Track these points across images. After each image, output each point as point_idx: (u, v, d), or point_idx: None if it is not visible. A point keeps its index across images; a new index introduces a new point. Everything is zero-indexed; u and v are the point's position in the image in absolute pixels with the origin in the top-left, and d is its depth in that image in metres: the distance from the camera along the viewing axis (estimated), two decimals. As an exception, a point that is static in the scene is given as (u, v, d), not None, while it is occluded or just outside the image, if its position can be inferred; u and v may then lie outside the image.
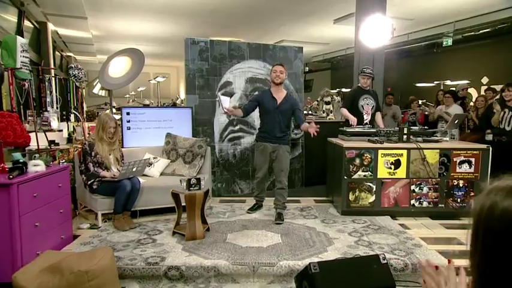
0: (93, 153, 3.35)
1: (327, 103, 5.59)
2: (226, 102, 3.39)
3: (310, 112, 6.40)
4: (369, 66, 4.30)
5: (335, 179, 3.94)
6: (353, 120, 4.06)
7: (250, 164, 4.65)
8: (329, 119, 5.50)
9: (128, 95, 11.11)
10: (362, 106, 4.18)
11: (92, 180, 3.32)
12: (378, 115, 4.18)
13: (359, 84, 4.26)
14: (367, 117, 4.15)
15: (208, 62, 4.60)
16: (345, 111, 4.22)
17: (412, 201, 3.64)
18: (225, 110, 3.37)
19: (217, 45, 4.63)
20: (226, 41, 4.72)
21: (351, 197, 3.66)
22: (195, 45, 4.52)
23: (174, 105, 10.55)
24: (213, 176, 4.51)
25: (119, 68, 4.11)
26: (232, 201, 4.36)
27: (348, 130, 3.87)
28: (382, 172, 3.63)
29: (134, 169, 3.31)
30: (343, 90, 8.45)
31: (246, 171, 4.78)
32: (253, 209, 3.82)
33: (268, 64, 4.83)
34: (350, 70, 4.82)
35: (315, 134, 3.23)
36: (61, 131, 4.28)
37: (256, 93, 4.69)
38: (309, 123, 3.34)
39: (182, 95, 12.72)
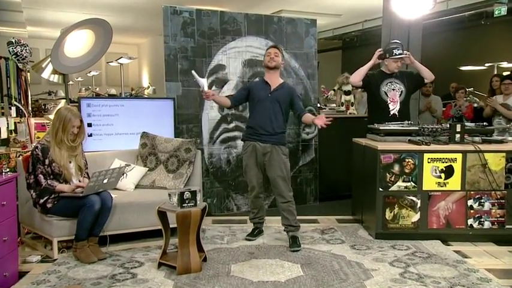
0: (47, 161, 3.26)
1: (347, 93, 5.62)
2: (202, 82, 3.47)
3: (321, 105, 6.43)
4: (397, 40, 4.24)
5: (365, 192, 3.96)
6: (376, 55, 4.13)
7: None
8: (350, 113, 5.53)
9: (71, 82, 10.94)
10: (385, 93, 4.17)
11: (45, 198, 3.25)
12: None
13: (382, 69, 4.28)
14: (393, 107, 4.15)
15: (195, 39, 4.57)
16: (357, 71, 4.24)
17: (470, 221, 3.69)
18: (204, 94, 3.50)
19: (205, 16, 4.61)
20: (217, 12, 4.70)
21: (388, 215, 3.68)
22: (176, 16, 4.49)
23: (133, 94, 10.46)
24: (202, 188, 4.46)
25: (78, 44, 4.03)
26: (230, 221, 4.35)
27: (381, 128, 3.90)
28: (429, 183, 3.65)
29: (105, 181, 3.26)
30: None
31: (244, 183, 4.73)
32: (253, 235, 3.81)
33: (272, 42, 4.80)
34: (368, 49, 4.85)
35: (324, 126, 3.39)
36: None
37: (257, 79, 4.70)
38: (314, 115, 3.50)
39: (145, 83, 12.58)
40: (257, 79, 3.92)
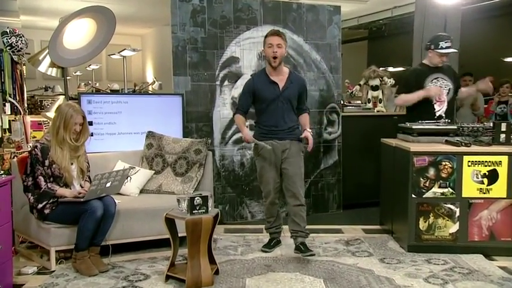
0: (46, 162, 3.29)
1: (374, 88, 5.57)
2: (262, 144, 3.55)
3: (345, 102, 6.38)
4: (444, 33, 4.20)
5: (396, 199, 3.93)
6: (433, 90, 3.99)
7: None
8: (377, 111, 5.48)
9: (69, 76, 11.06)
10: None
11: (44, 203, 3.27)
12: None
13: (425, 61, 4.22)
14: (440, 107, 4.10)
15: (205, 29, 4.57)
16: (404, 96, 4.15)
17: (517, 233, 3.64)
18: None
19: (217, 3, 4.61)
20: (230, -1, 4.70)
21: (423, 225, 3.64)
22: (185, 4, 4.50)
23: (135, 90, 10.51)
24: (213, 193, 4.47)
25: (78, 35, 4.04)
26: (244, 230, 4.35)
27: (414, 127, 3.86)
28: (470, 189, 3.61)
29: (108, 184, 3.27)
30: (390, 69, 8.45)
31: (259, 188, 4.70)
32: (270, 246, 3.79)
33: (290, 32, 4.82)
34: (398, 40, 4.80)
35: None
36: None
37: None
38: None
39: (149, 78, 12.65)
40: (254, 75, 3.80)
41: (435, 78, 4.12)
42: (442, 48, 4.00)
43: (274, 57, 3.50)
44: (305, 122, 3.68)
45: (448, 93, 4.11)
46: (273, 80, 3.58)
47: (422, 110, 4.05)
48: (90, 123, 4.10)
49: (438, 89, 4.03)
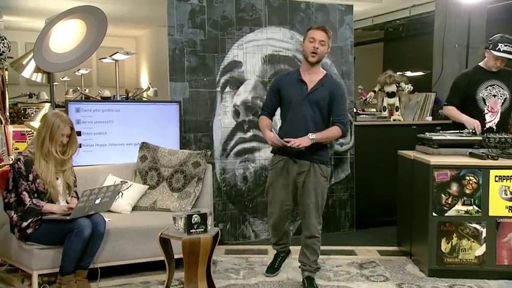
0: (30, 176, 3.30)
1: (390, 95, 5.57)
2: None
3: (358, 110, 6.38)
4: (509, 36, 4.00)
5: (415, 218, 3.92)
6: (472, 124, 3.91)
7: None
8: (394, 120, 5.48)
9: (56, 82, 11.14)
10: (483, 99, 4.04)
11: (29, 220, 3.27)
12: None
13: (481, 64, 4.13)
14: (491, 118, 4.04)
15: (205, 30, 4.60)
16: (451, 110, 4.11)
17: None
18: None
19: (218, 3, 4.64)
20: (232, -2, 4.74)
21: (445, 247, 3.62)
22: (183, 3, 4.54)
23: (127, 97, 10.55)
24: (212, 210, 4.46)
25: (66, 37, 4.07)
26: (246, 251, 4.35)
27: (434, 138, 3.86)
28: (498, 207, 3.60)
29: (98, 201, 3.27)
30: (408, 74, 8.43)
31: (263, 204, 4.72)
32: (274, 267, 3.76)
33: (298, 34, 4.84)
34: (417, 42, 4.81)
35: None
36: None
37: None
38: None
39: (144, 84, 12.72)
40: (285, 74, 3.71)
41: (490, 85, 4.05)
42: (499, 50, 3.90)
43: (314, 53, 3.35)
44: (322, 132, 3.37)
45: (503, 103, 4.04)
46: (302, 79, 3.43)
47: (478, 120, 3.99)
48: (79, 134, 4.11)
49: (477, 125, 3.91)
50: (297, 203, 3.53)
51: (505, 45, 3.89)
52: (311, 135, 3.29)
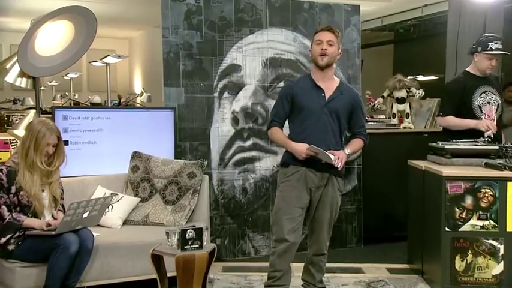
0: (13, 189, 3.30)
1: (400, 101, 5.58)
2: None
3: (366, 116, 6.38)
4: (493, 34, 4.14)
5: (427, 233, 3.92)
6: (485, 125, 3.89)
7: (271, 205, 4.62)
8: (404, 127, 5.48)
9: (43, 87, 11.17)
10: (479, 107, 4.10)
11: (8, 236, 3.25)
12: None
13: (469, 69, 4.22)
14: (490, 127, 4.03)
15: (202, 32, 4.63)
16: (452, 119, 4.12)
17: None
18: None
19: (216, 3, 4.67)
20: (231, -3, 4.77)
21: (459, 264, 3.60)
22: (178, 3, 4.56)
23: (119, 103, 10.57)
24: (209, 224, 4.46)
25: (53, 40, 4.08)
26: (246, 268, 4.33)
27: (447, 147, 3.85)
28: (515, 221, 3.59)
29: (85, 215, 3.27)
30: (420, 78, 8.45)
31: (264, 218, 4.75)
32: None
33: (301, 36, 4.86)
34: (429, 43, 4.82)
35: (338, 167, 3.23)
36: None
37: (282, 84, 4.71)
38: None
39: (138, 88, 12.77)
40: (296, 79, 3.70)
41: (484, 92, 4.10)
42: (491, 49, 3.97)
43: (323, 55, 3.29)
44: (351, 145, 3.40)
45: (497, 109, 4.09)
46: (318, 85, 3.37)
47: (466, 130, 4.01)
48: (66, 143, 4.12)
49: (492, 124, 3.93)
50: (306, 219, 3.48)
51: (495, 43, 3.98)
52: (347, 151, 3.31)
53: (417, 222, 4.13)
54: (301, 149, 3.23)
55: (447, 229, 3.60)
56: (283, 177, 3.41)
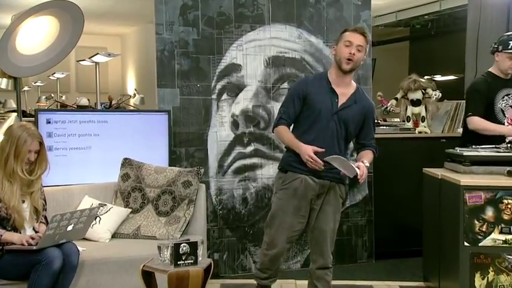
0: (-9, 200, 3.31)
1: (415, 103, 5.57)
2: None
3: (379, 120, 6.38)
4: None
5: (444, 248, 3.91)
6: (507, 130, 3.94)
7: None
8: (419, 132, 5.48)
9: (27, 87, 11.18)
10: (502, 110, 4.13)
11: (-15, 252, 3.26)
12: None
13: (492, 70, 4.23)
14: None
15: (198, 29, 4.65)
16: (481, 122, 4.11)
17: None
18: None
19: (214, -3, 4.69)
20: (230, -9, 4.79)
21: (480, 283, 3.58)
22: (173, -2, 4.58)
23: (110, 105, 10.58)
24: (207, 238, 4.46)
25: (35, 37, 4.09)
26: (246, 286, 4.33)
27: (466, 153, 3.85)
28: (541, 236, 3.57)
29: (70, 228, 3.26)
30: (438, 78, 8.44)
31: (267, 231, 4.75)
32: None
33: (307, 33, 4.88)
34: (448, 40, 4.82)
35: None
36: None
37: (286, 85, 4.73)
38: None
39: (131, 89, 12.80)
40: (311, 76, 3.75)
41: (506, 95, 4.14)
42: None
43: (349, 59, 3.31)
44: (366, 157, 3.45)
45: None
46: (333, 89, 3.41)
47: (486, 135, 4.03)
48: (49, 149, 4.13)
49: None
50: (306, 229, 3.53)
51: None
52: (367, 163, 3.36)
53: (433, 236, 4.12)
54: (307, 152, 3.25)
55: (466, 244, 3.58)
56: (281, 183, 3.49)
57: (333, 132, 3.37)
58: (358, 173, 3.20)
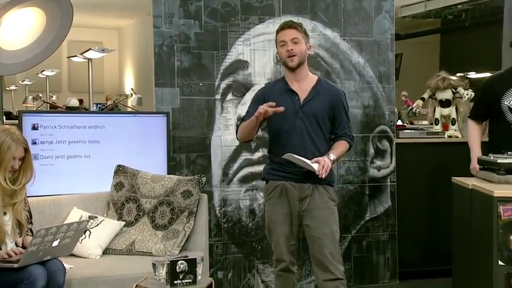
0: (-30, 212, 3.33)
1: (445, 103, 5.56)
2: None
3: (404, 123, 6.37)
4: None
5: (475, 267, 3.88)
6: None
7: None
8: (449, 136, 5.47)
9: (14, 86, 11.22)
10: (510, 109, 4.08)
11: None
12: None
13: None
14: None
15: (201, 21, 4.67)
16: (469, 128, 4.22)
17: None
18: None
19: (218, -14, 4.71)
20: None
21: (514, 305, 3.57)
22: (173, -12, 4.61)
23: (108, 106, 10.62)
24: (209, 254, 4.47)
25: (19, 31, 4.09)
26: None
27: (501, 161, 3.82)
28: None
29: (56, 243, 3.26)
30: (472, 75, 8.40)
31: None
32: None
33: (322, 25, 4.90)
34: (484, 32, 4.81)
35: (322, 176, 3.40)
36: None
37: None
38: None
39: (128, 88, 12.86)
40: (271, 83, 3.94)
41: None
42: None
43: (290, 56, 3.50)
44: (335, 149, 3.57)
45: None
46: (291, 89, 3.59)
47: (503, 134, 4.07)
48: (35, 157, 4.15)
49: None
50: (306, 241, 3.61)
51: None
52: (331, 156, 3.46)
53: (464, 254, 4.09)
54: (260, 109, 3.35)
55: (500, 263, 3.54)
56: (265, 194, 3.75)
57: (301, 131, 3.54)
58: (316, 168, 3.33)
